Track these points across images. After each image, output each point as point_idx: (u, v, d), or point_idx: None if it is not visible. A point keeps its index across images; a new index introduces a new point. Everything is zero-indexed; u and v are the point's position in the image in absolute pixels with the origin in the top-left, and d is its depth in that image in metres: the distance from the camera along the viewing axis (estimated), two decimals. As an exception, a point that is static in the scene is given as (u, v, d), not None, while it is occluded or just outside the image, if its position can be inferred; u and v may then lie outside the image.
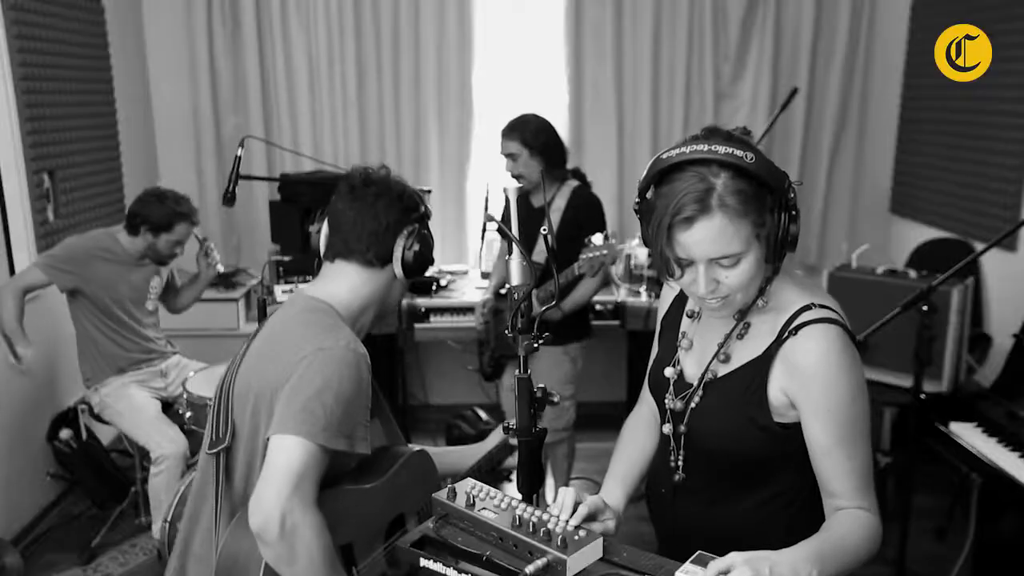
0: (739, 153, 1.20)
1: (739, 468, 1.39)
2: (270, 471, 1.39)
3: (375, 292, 1.65)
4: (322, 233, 1.67)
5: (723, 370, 1.38)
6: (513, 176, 3.06)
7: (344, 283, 1.63)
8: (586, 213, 3.10)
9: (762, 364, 1.33)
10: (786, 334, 1.31)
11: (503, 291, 3.38)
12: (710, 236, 1.21)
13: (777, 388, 1.32)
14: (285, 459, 1.38)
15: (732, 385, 1.36)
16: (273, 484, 1.37)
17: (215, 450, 1.54)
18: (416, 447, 1.73)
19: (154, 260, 3.26)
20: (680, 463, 1.42)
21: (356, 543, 1.53)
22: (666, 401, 1.44)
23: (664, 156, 1.26)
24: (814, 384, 1.28)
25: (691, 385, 1.41)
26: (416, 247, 1.63)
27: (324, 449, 1.41)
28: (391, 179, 1.65)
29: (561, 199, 3.11)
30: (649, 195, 1.29)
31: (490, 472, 1.88)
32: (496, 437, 1.92)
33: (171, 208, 3.15)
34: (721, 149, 1.21)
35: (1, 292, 3.03)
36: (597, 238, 2.90)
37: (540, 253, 3.04)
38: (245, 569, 1.43)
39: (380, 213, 1.60)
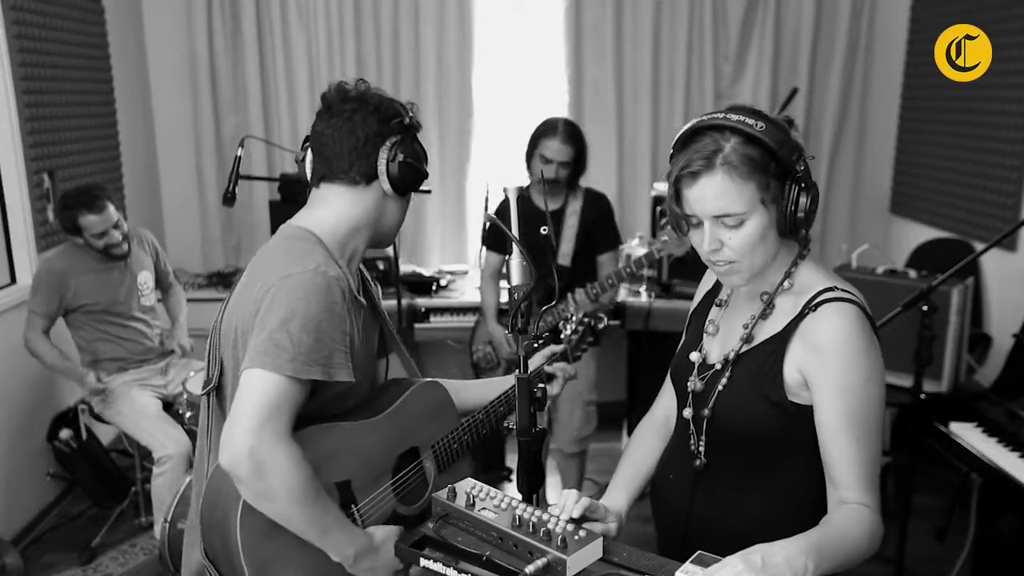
0: (750, 121, 1.27)
1: (752, 449, 1.39)
2: (237, 407, 1.34)
3: (364, 213, 1.56)
4: (307, 160, 1.58)
5: (745, 349, 1.39)
6: (550, 180, 3.05)
7: (329, 207, 1.55)
8: (600, 214, 3.18)
9: (780, 341, 1.34)
10: (806, 311, 1.32)
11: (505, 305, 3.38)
12: (712, 193, 1.27)
13: (793, 366, 1.33)
14: (252, 394, 1.34)
15: (750, 361, 1.38)
16: (240, 421, 1.32)
17: (206, 390, 1.53)
18: (428, 379, 1.70)
19: (109, 256, 3.19)
20: (701, 448, 1.43)
21: (354, 480, 1.49)
22: (688, 383, 1.45)
23: (690, 123, 1.34)
24: (828, 361, 1.29)
25: (712, 367, 1.43)
26: (401, 157, 1.52)
27: (296, 380, 1.35)
28: (369, 92, 1.55)
29: (576, 202, 3.15)
30: None
31: (510, 412, 1.79)
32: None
33: (68, 210, 3.11)
34: (734, 116, 1.28)
35: (32, 348, 3.12)
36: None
37: (565, 256, 3.06)
38: (227, 505, 1.40)
39: (358, 127, 1.50)
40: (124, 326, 3.24)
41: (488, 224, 3.30)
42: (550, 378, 1.81)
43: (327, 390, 1.46)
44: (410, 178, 1.54)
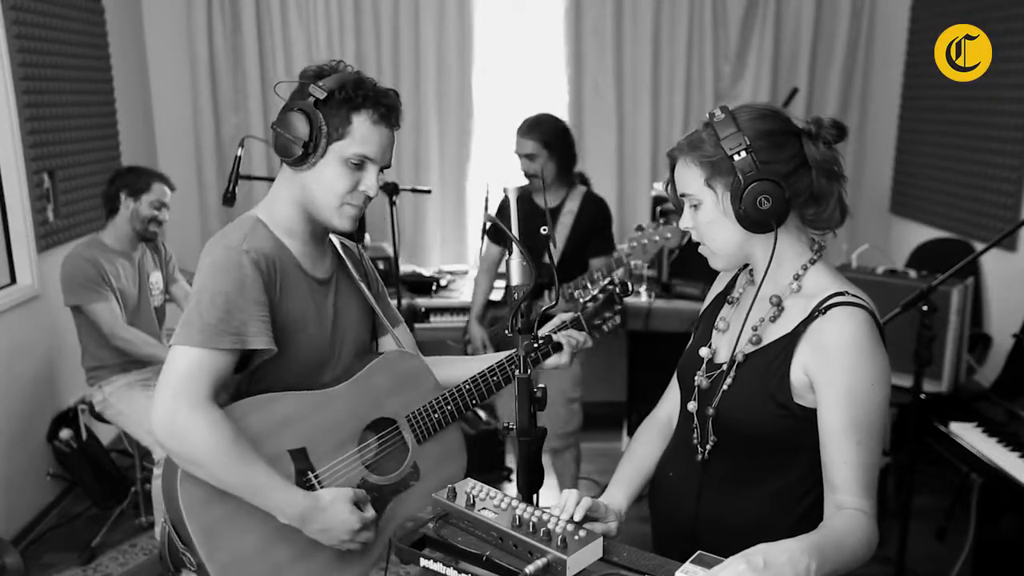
0: (716, 112, 1.35)
1: (756, 448, 1.39)
2: (159, 382, 1.43)
3: (288, 190, 1.56)
4: None
5: (752, 349, 1.40)
6: (527, 176, 3.02)
7: (271, 190, 1.61)
8: (596, 218, 3.12)
9: (789, 342, 1.35)
10: (816, 314, 1.33)
11: (494, 299, 3.36)
12: (678, 172, 1.41)
13: (800, 368, 1.33)
14: (169, 367, 1.42)
15: (758, 362, 1.38)
16: (159, 392, 1.41)
17: None
18: (399, 350, 1.73)
19: (140, 234, 3.22)
20: (705, 444, 1.43)
21: (311, 447, 1.53)
22: (695, 378, 1.46)
23: None
24: (834, 362, 1.29)
25: (721, 365, 1.44)
26: (288, 121, 1.48)
27: (209, 351, 1.41)
28: (311, 70, 1.54)
29: (573, 203, 3.11)
30: None
31: (503, 383, 1.73)
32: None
33: (146, 171, 3.26)
34: (724, 106, 1.37)
35: (127, 338, 3.11)
36: (648, 225, 2.79)
37: (554, 253, 3.03)
38: (171, 474, 1.48)
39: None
40: (132, 325, 3.23)
41: (489, 223, 3.29)
42: (558, 347, 1.77)
43: (277, 361, 1.51)
44: (284, 148, 1.50)
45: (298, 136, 1.47)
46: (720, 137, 1.32)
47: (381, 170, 1.55)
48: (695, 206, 1.39)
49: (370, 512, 1.54)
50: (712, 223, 1.38)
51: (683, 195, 1.40)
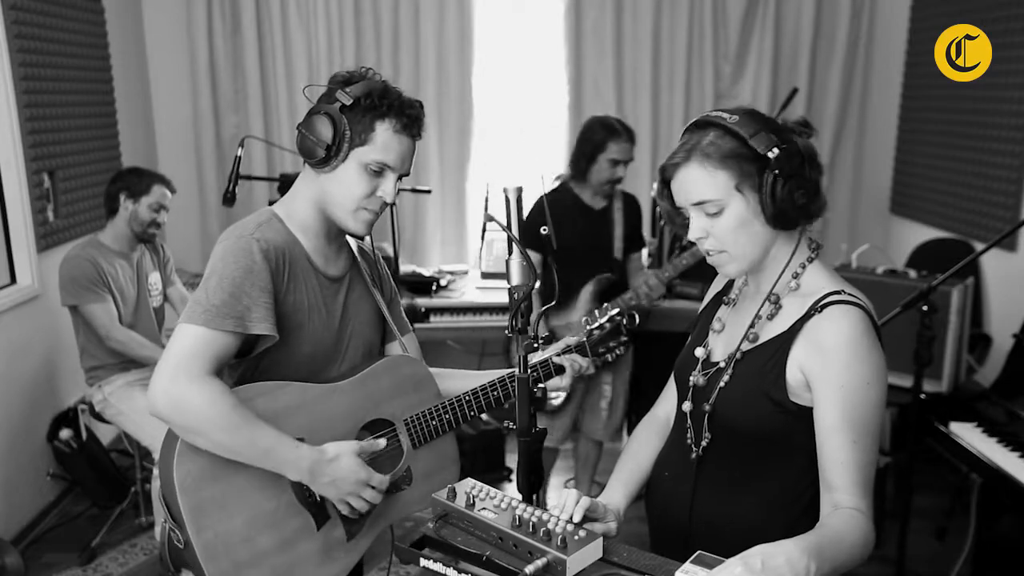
0: (725, 115, 1.33)
1: (751, 447, 1.39)
2: (161, 358, 1.46)
3: (307, 190, 1.59)
4: None
5: (749, 347, 1.40)
6: (614, 182, 3.06)
7: (293, 188, 1.64)
8: (638, 213, 3.25)
9: (785, 340, 1.35)
10: (812, 312, 1.33)
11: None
12: (688, 182, 1.35)
13: (795, 366, 1.33)
14: (172, 344, 1.45)
15: (754, 360, 1.38)
16: (160, 367, 1.44)
17: None
18: (404, 355, 1.75)
19: (138, 235, 3.22)
20: (700, 443, 1.43)
21: (309, 439, 1.55)
22: (691, 378, 1.46)
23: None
24: (830, 361, 1.29)
25: (716, 364, 1.44)
26: (313, 123, 1.51)
27: (212, 331, 1.44)
28: (340, 77, 1.60)
29: (618, 201, 3.18)
30: None
31: (504, 399, 1.73)
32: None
33: (147, 173, 3.26)
34: (715, 112, 1.35)
35: (122, 340, 3.11)
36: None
37: (618, 251, 3.14)
38: (169, 448, 1.50)
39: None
40: (131, 325, 3.24)
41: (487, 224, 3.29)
42: (559, 370, 1.77)
43: (281, 351, 1.55)
44: (307, 149, 1.53)
45: (322, 139, 1.51)
46: (747, 137, 1.30)
47: (400, 178, 1.58)
48: (714, 213, 1.34)
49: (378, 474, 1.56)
50: (740, 227, 1.34)
51: (698, 203, 1.34)
